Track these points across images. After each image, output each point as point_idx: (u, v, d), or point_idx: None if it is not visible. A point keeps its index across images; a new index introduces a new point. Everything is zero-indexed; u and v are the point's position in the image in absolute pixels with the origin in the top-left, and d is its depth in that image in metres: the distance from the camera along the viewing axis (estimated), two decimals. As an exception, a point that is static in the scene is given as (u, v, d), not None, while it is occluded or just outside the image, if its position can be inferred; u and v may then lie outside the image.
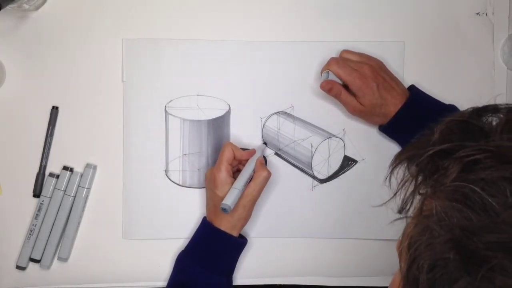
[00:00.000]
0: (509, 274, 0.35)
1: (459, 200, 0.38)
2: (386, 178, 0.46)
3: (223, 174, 0.71)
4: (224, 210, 0.69)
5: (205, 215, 0.76)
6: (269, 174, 0.73)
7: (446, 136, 0.42)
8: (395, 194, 0.44)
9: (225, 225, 0.72)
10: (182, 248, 0.76)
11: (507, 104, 0.42)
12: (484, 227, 0.36)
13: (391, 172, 0.45)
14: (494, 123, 0.41)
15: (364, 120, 0.77)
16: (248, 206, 0.72)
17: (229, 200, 0.69)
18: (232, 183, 0.71)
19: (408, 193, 0.43)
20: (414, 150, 0.44)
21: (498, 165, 0.38)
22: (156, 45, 0.78)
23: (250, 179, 0.72)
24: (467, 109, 0.43)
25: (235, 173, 0.75)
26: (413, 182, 0.43)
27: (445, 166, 0.40)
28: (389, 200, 0.45)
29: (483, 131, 0.41)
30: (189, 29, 0.79)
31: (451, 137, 0.42)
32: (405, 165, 0.44)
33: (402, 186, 0.44)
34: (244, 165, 0.74)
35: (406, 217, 0.43)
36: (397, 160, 0.45)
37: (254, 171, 0.73)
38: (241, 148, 0.75)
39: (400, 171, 0.45)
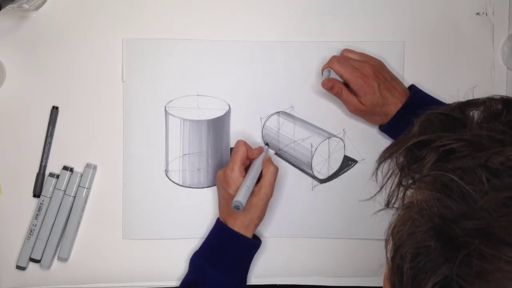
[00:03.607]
0: (485, 259, 0.35)
1: (438, 189, 0.38)
2: (373, 174, 0.47)
3: (236, 173, 0.71)
4: (236, 208, 0.68)
5: (218, 216, 0.76)
6: (276, 168, 0.73)
7: (425, 128, 0.43)
8: (381, 188, 0.45)
9: (238, 225, 0.71)
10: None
11: (488, 96, 0.43)
12: (462, 214, 0.37)
13: (377, 167, 0.46)
14: (476, 116, 0.42)
15: (364, 119, 0.77)
16: (261, 206, 0.71)
17: (241, 197, 0.68)
18: None
19: (393, 187, 0.44)
20: (397, 145, 0.44)
21: (473, 153, 0.38)
22: (156, 45, 0.78)
23: (258, 177, 0.72)
24: (452, 103, 0.44)
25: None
26: (397, 175, 0.44)
27: (422, 156, 0.41)
28: (375, 194, 0.46)
29: (463, 123, 0.42)
30: (189, 29, 0.79)
31: (430, 129, 0.43)
32: (390, 160, 0.45)
33: (387, 181, 0.45)
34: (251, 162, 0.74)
35: (390, 207, 0.44)
36: (383, 156, 0.46)
37: (262, 169, 0.73)
38: None
39: (386, 166, 0.46)
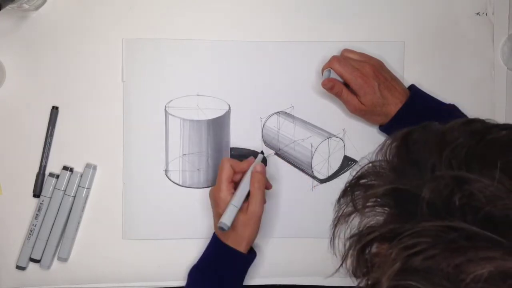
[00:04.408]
0: None
1: None
2: (330, 243, 0.44)
3: (224, 193, 0.70)
4: (221, 229, 0.68)
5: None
6: (263, 182, 0.71)
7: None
8: (342, 263, 0.43)
9: (231, 241, 0.71)
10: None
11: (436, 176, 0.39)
12: None
13: (332, 237, 0.44)
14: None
15: (364, 119, 0.77)
16: (251, 224, 0.70)
17: (225, 218, 0.68)
18: None
19: (355, 266, 0.42)
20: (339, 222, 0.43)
21: (440, 255, 0.35)
22: (156, 45, 0.78)
23: (248, 192, 0.71)
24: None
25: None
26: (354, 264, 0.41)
27: (379, 264, 0.38)
28: (338, 269, 0.44)
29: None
30: (189, 29, 0.79)
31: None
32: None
33: (345, 259, 0.42)
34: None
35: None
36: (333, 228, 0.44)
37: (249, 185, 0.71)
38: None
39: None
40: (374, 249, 0.39)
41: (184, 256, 0.78)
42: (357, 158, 0.79)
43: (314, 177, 0.79)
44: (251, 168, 0.72)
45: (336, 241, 0.43)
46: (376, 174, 0.42)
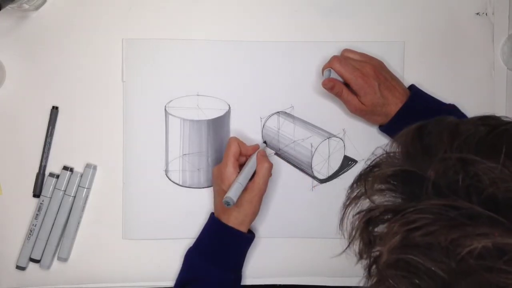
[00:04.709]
0: None
1: (402, 268, 0.37)
2: (339, 227, 0.45)
3: (230, 169, 0.71)
4: (227, 204, 0.68)
5: (212, 211, 0.76)
6: (271, 164, 0.73)
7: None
8: (349, 244, 0.44)
9: (232, 221, 0.72)
10: (188, 246, 0.76)
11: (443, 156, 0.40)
12: None
13: (341, 221, 0.45)
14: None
15: (365, 119, 0.77)
16: (254, 201, 0.71)
17: (231, 193, 0.69)
18: None
19: (362, 249, 0.42)
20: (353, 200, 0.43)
21: (438, 231, 0.36)
22: (156, 45, 0.78)
23: (253, 174, 0.72)
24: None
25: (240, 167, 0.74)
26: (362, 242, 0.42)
27: (380, 235, 0.40)
28: (345, 248, 0.44)
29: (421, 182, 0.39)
30: (189, 29, 0.79)
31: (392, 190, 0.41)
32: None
33: (352, 239, 0.43)
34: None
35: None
36: (344, 209, 0.45)
37: (256, 165, 0.73)
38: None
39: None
40: (379, 228, 0.40)
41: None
42: (357, 158, 0.79)
43: (314, 177, 0.79)
44: (255, 153, 0.74)
45: (345, 223, 0.44)
46: (390, 163, 0.43)
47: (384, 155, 0.44)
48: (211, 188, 0.79)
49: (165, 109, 0.78)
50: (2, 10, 0.67)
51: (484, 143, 0.39)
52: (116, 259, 0.78)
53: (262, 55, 0.79)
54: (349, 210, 0.43)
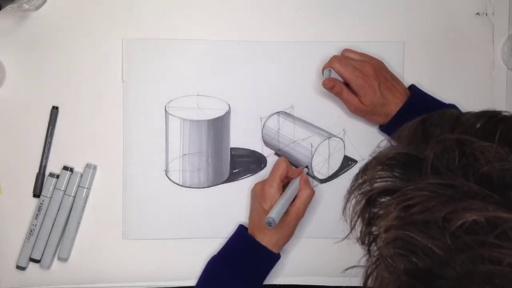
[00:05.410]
0: None
1: (400, 246, 0.38)
2: (342, 213, 0.46)
3: (274, 190, 0.71)
4: (269, 224, 0.68)
5: (241, 223, 0.76)
6: (313, 192, 0.72)
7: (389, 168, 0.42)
8: (352, 229, 0.45)
9: (267, 240, 0.72)
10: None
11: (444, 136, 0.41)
12: (428, 271, 0.36)
13: (344, 207, 0.45)
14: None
15: (365, 119, 0.77)
16: (292, 225, 0.72)
17: (274, 213, 0.68)
18: None
19: (362, 231, 0.44)
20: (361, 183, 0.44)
21: (435, 207, 0.37)
22: (156, 45, 0.78)
23: (294, 197, 0.72)
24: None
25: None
26: (363, 222, 0.43)
27: (381, 213, 0.40)
28: (347, 235, 0.46)
29: (421, 164, 0.40)
30: (189, 29, 0.79)
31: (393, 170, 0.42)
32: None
33: (354, 224, 0.44)
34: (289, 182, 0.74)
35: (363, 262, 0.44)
36: (347, 197, 0.45)
37: (298, 190, 0.72)
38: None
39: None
40: (379, 209, 0.41)
41: (184, 256, 0.78)
42: (357, 158, 0.79)
43: (314, 177, 0.79)
44: (299, 177, 0.73)
45: (348, 209, 0.45)
46: (392, 148, 0.44)
47: (389, 146, 0.45)
48: (211, 188, 0.79)
49: (165, 109, 0.78)
50: (2, 10, 0.67)
51: (482, 129, 0.40)
52: (116, 259, 0.78)
53: (262, 55, 0.79)
54: (352, 197, 0.44)
